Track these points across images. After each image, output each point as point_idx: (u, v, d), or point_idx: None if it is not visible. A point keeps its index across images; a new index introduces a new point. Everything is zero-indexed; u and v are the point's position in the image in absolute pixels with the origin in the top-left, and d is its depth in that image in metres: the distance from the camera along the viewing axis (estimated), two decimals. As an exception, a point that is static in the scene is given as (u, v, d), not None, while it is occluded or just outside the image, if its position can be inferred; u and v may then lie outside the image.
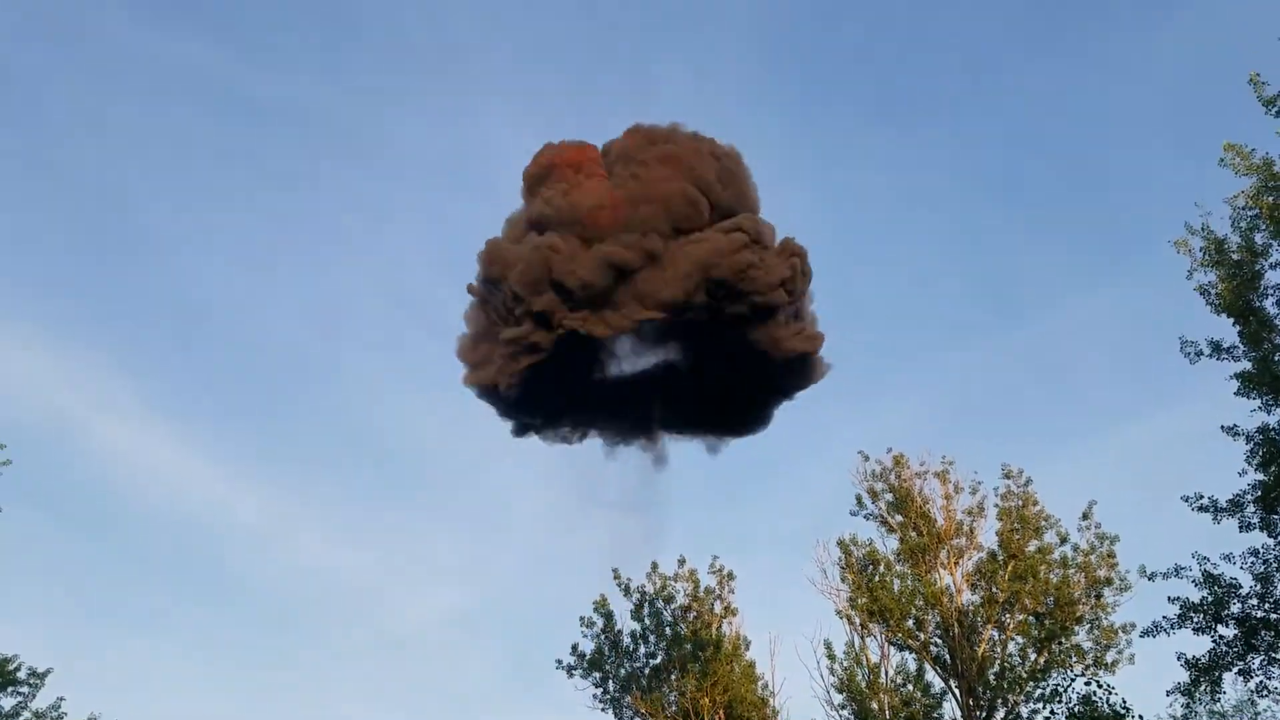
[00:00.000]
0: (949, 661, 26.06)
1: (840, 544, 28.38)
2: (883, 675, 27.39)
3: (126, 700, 70.88)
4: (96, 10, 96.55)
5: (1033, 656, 25.50)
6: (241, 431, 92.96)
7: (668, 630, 30.19)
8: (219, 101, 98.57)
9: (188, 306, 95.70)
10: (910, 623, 26.59)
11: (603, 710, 29.72)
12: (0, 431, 44.03)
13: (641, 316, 29.04)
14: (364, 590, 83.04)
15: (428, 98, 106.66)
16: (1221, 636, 18.12)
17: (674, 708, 28.93)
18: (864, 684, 27.38)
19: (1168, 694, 18.68)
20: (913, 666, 27.47)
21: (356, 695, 72.29)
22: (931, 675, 26.90)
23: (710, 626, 30.11)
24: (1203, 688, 18.41)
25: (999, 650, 25.87)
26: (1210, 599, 18.12)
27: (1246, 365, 17.98)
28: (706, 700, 28.43)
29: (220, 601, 79.46)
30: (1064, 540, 26.52)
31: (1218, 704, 21.39)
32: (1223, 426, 18.42)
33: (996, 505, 27.39)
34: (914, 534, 27.29)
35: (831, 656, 28.09)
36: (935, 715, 26.94)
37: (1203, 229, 18.50)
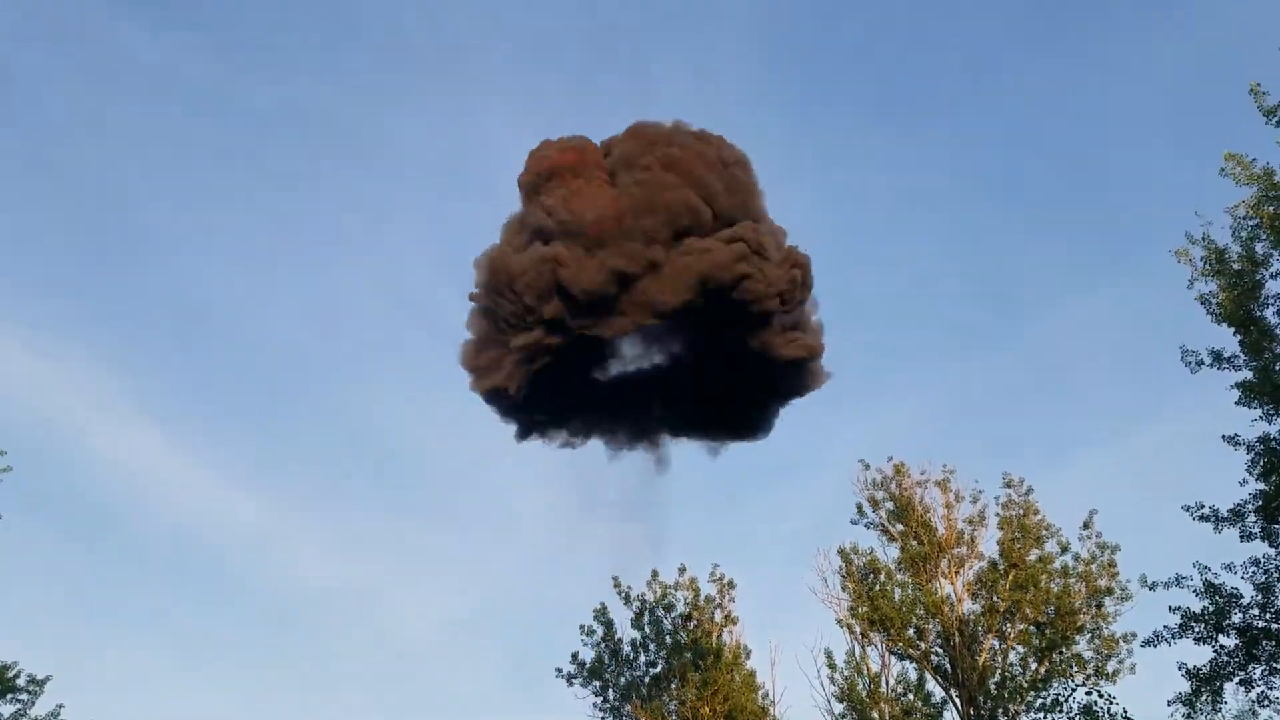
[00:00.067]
0: (950, 671, 26.01)
1: (841, 553, 28.39)
2: (883, 685, 27.34)
3: (125, 706, 70.75)
4: (96, 12, 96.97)
5: (1034, 666, 25.45)
6: (240, 435, 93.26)
7: (668, 639, 30.14)
8: (218, 102, 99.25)
9: (187, 309, 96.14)
10: (911, 632, 26.56)
11: (603, 719, 29.71)
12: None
13: (643, 321, 29.29)
14: (364, 595, 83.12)
15: (428, 98, 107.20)
16: (1223, 646, 18.08)
17: (674, 717, 28.87)
18: (865, 693, 27.33)
19: (1169, 704, 18.62)
20: (913, 676, 27.48)
21: (356, 700, 72.40)
22: (932, 685, 26.89)
23: (710, 635, 30.07)
24: (1204, 698, 18.35)
25: (1000, 660, 25.83)
26: (1211, 609, 18.08)
27: (1247, 375, 17.97)
28: (706, 709, 28.37)
29: (219, 606, 79.58)
30: (1065, 549, 26.49)
31: (1219, 714, 21.26)
32: (1223, 436, 18.41)
33: (997, 514, 27.37)
34: (915, 543, 27.25)
35: (832, 666, 28.07)
36: (936, 725, 26.91)
37: (1203, 238, 18.54)
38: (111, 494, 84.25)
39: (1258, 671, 17.86)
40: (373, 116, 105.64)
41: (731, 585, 30.88)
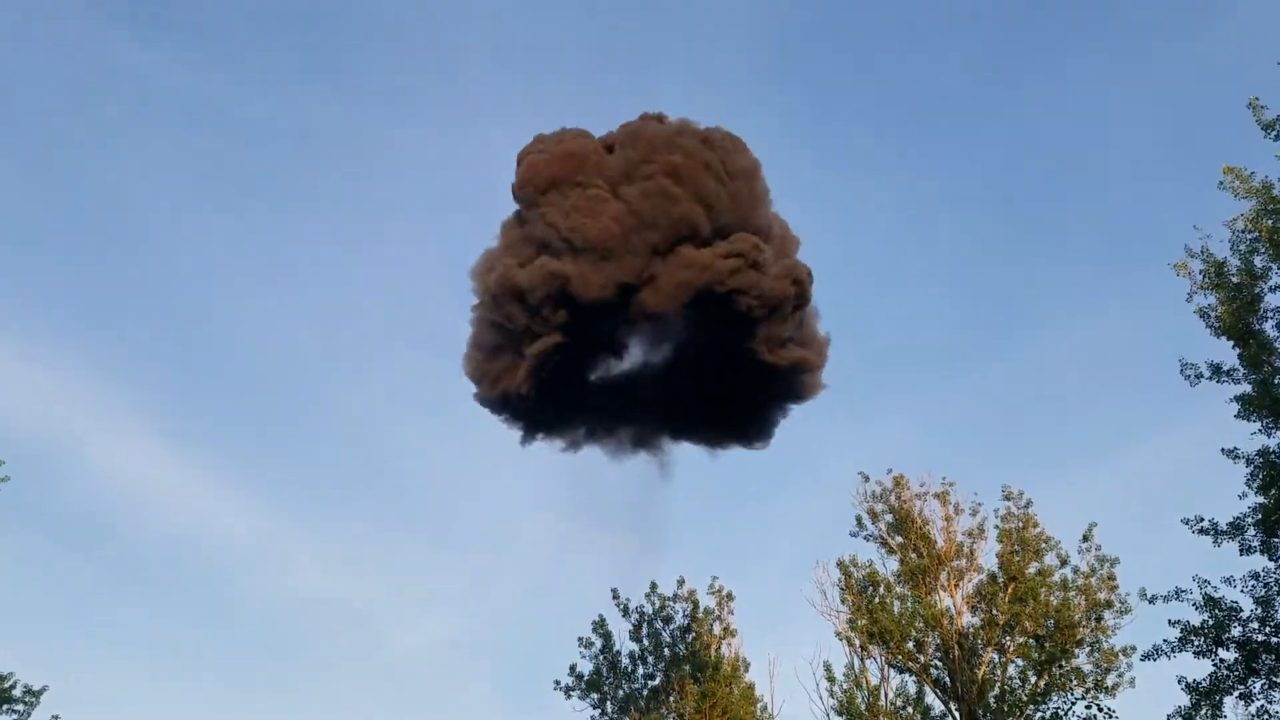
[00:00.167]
0: (949, 684, 25.96)
1: (840, 565, 28.34)
2: (882, 698, 27.27)
3: (120, 717, 70.44)
4: (86, 22, 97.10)
5: (1033, 679, 25.40)
6: (238, 447, 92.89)
7: (666, 651, 30.10)
8: (215, 111, 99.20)
9: (185, 318, 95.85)
10: (910, 645, 26.52)
11: (601, 731, 29.63)
12: (-1, 447, 43.99)
13: (644, 324, 29.70)
14: (361, 611, 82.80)
15: (427, 101, 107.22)
16: (1222, 660, 18.03)
17: (672, 729, 28.81)
18: (864, 706, 27.25)
19: (1168, 718, 18.57)
20: (913, 689, 27.37)
21: (352, 714, 71.99)
22: (931, 698, 26.80)
23: (709, 647, 30.01)
24: (1203, 712, 18.29)
25: (999, 673, 25.78)
26: (1211, 622, 18.04)
27: (1247, 388, 17.97)
28: (705, 722, 28.31)
29: (215, 622, 79.15)
30: (1064, 562, 26.45)
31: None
32: (1223, 449, 18.43)
33: (997, 527, 27.35)
34: (914, 555, 27.24)
35: (831, 678, 27.97)
36: (935, 738, 26.84)
37: (1202, 252, 18.59)
38: (108, 504, 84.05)
39: (1257, 685, 17.81)
40: (372, 123, 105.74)
41: (730, 597, 30.89)
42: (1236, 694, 17.98)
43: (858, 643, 27.50)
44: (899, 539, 27.68)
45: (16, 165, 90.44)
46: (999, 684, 25.62)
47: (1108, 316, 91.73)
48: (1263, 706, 17.85)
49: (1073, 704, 24.73)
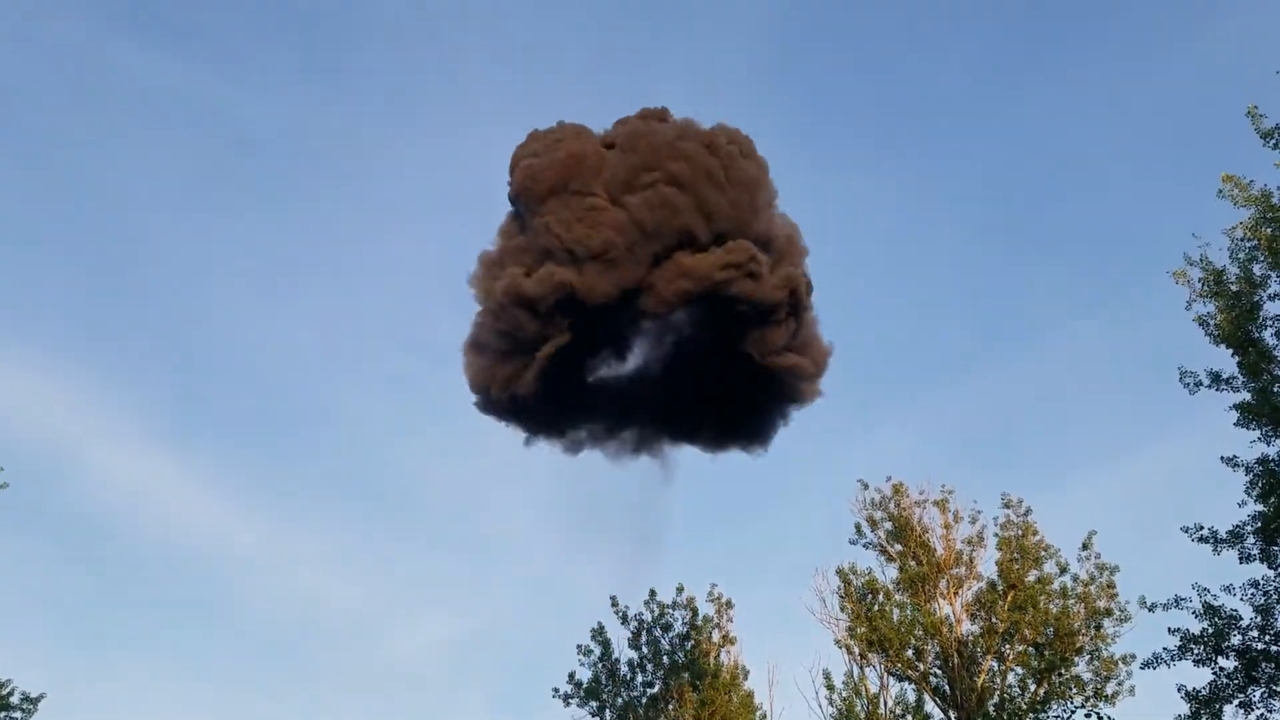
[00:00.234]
0: (948, 692, 25.94)
1: (839, 573, 28.35)
2: (882, 706, 27.23)
3: (119, 726, 70.24)
4: (86, 29, 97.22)
5: (1032, 687, 25.38)
6: (238, 454, 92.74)
7: (665, 659, 30.08)
8: (216, 118, 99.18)
9: (186, 327, 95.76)
10: (909, 653, 26.50)
11: (600, 739, 29.60)
12: (-2, 454, 43.99)
13: (647, 323, 30.56)
14: (360, 617, 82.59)
15: (427, 102, 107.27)
16: (1222, 668, 18.03)
17: (671, 737, 28.78)
18: (863, 714, 27.22)
19: (1168, 726, 18.59)
20: (912, 697, 27.33)
21: (352, 722, 71.82)
22: (931, 706, 26.76)
23: (708, 655, 29.99)
24: (1203, 720, 18.32)
25: (999, 681, 25.76)
26: (1210, 631, 18.04)
27: (1246, 396, 18.00)
28: (704, 730, 28.27)
29: (215, 627, 78.91)
30: (1064, 570, 26.46)
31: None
32: (1222, 457, 18.41)
33: (996, 535, 27.38)
34: (913, 563, 27.23)
35: (830, 686, 27.94)
36: (934, 746, 26.80)
37: (1201, 260, 18.61)
38: (108, 512, 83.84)
39: (1257, 694, 17.81)
40: (372, 123, 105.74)
41: (729, 605, 30.89)
42: (1236, 702, 17.97)
43: (857, 650, 27.48)
44: (898, 547, 27.68)
45: (15, 167, 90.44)
46: (998, 692, 25.61)
47: (1107, 324, 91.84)
48: (1263, 715, 17.84)
49: (1072, 712, 24.72)
